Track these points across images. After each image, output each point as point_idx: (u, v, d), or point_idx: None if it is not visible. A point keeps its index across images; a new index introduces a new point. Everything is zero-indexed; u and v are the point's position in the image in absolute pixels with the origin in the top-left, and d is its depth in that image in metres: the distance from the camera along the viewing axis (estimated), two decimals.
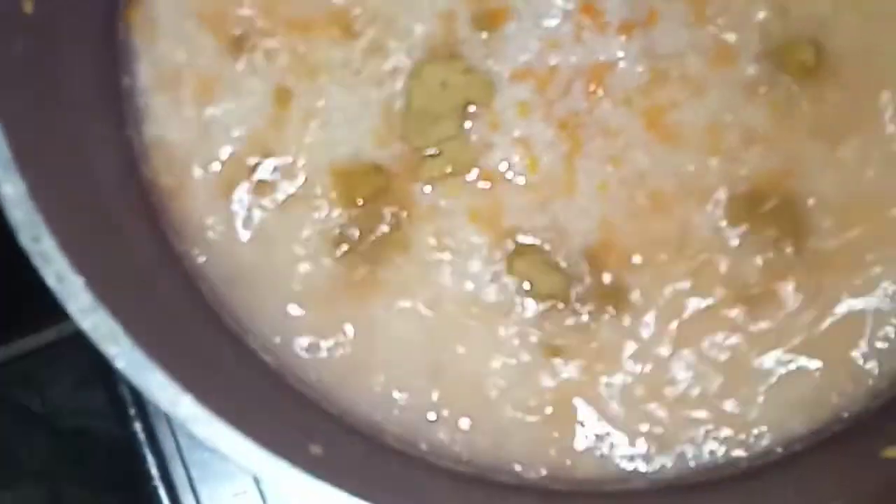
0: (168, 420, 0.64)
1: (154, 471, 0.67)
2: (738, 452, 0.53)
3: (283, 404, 0.53)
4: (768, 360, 0.54)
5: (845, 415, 0.52)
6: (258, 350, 0.55)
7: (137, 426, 0.67)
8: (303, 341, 0.55)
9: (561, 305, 0.55)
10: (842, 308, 0.54)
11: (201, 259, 0.56)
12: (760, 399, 0.53)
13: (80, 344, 0.43)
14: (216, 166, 0.56)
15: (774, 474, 0.50)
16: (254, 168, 0.56)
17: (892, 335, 0.54)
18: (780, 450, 0.53)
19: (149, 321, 0.47)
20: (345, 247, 0.56)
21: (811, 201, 0.55)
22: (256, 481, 0.64)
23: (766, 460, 0.52)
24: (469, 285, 0.55)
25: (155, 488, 0.67)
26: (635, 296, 0.55)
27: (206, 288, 0.56)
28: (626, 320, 0.55)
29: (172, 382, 0.43)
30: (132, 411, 0.67)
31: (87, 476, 0.93)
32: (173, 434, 0.66)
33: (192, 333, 0.52)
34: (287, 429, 0.49)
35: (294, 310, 0.55)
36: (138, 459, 0.67)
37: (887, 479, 0.46)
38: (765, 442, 0.52)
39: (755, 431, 0.53)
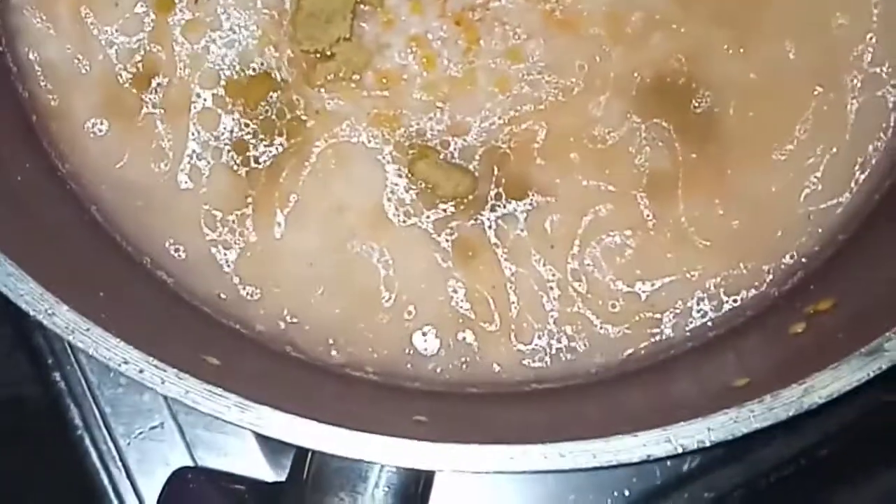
0: (83, 372, 0.63)
1: (77, 420, 0.65)
2: (645, 345, 0.52)
3: (178, 320, 0.51)
4: (674, 252, 0.53)
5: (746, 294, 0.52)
6: (152, 268, 0.53)
7: (57, 380, 0.65)
8: (198, 255, 0.53)
9: (464, 205, 0.53)
10: (746, 194, 0.53)
11: (88, 179, 0.54)
12: (664, 294, 0.52)
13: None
14: (98, 81, 0.54)
15: (681, 362, 0.50)
16: (139, 81, 0.54)
17: (805, 212, 0.53)
18: (690, 344, 0.52)
19: (28, 240, 0.45)
20: (239, 158, 0.54)
21: (715, 87, 0.54)
22: (172, 414, 0.62)
23: (675, 352, 0.51)
24: (371, 190, 0.54)
25: (80, 437, 0.66)
26: (540, 192, 0.53)
27: (97, 208, 0.53)
28: (531, 217, 0.53)
29: (47, 293, 0.41)
30: (54, 371, 0.65)
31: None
32: (88, 384, 0.64)
33: (78, 251, 0.50)
34: (183, 342, 0.48)
35: (190, 226, 0.53)
36: (62, 414, 0.66)
37: (790, 354, 0.45)
38: (669, 332, 0.52)
39: (661, 324, 0.52)
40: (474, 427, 0.46)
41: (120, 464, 0.63)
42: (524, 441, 0.41)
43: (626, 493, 0.61)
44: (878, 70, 0.54)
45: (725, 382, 0.44)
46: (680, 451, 0.39)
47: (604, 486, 0.60)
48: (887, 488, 0.61)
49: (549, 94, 0.54)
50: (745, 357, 0.48)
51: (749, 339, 0.49)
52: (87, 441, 0.64)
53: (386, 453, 0.40)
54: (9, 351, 0.77)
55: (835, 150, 0.53)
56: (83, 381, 0.63)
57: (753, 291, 0.52)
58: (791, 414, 0.38)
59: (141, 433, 0.62)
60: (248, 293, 0.53)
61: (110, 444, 0.63)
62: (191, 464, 0.61)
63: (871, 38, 0.54)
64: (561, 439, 0.40)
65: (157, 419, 0.62)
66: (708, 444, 0.38)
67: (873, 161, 0.53)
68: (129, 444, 0.62)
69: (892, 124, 0.53)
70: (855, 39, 0.54)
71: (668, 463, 0.61)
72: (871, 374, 0.38)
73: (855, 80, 0.54)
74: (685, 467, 0.61)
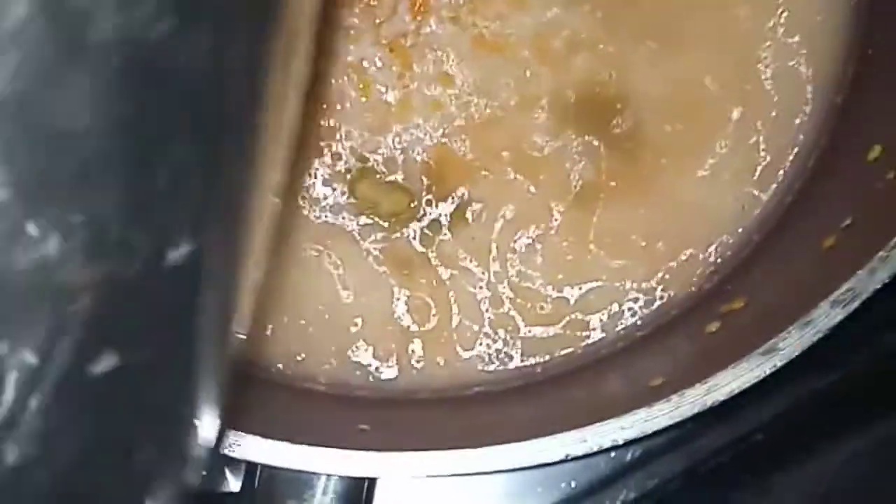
0: None
1: None
2: (574, 349, 0.55)
3: None
4: (600, 257, 0.56)
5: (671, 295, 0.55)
6: None
7: None
8: None
9: (401, 219, 0.56)
10: (670, 201, 0.57)
11: None
12: (591, 297, 0.55)
13: None
14: None
15: (610, 363, 0.53)
16: None
17: (724, 215, 0.56)
18: (620, 344, 0.55)
19: None
20: None
21: (639, 103, 0.57)
22: None
23: (605, 352, 0.54)
24: (313, 211, 0.57)
25: None
26: (476, 208, 0.57)
27: None
28: (468, 233, 0.56)
29: None
30: None
31: None
32: None
33: None
34: None
35: None
36: None
37: (704, 353, 0.48)
38: (599, 334, 0.55)
39: (590, 327, 0.55)
40: (415, 434, 0.49)
41: None
42: (461, 446, 0.44)
43: (573, 484, 0.65)
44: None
45: (646, 382, 0.47)
46: (596, 449, 0.42)
47: (550, 480, 0.64)
48: (819, 469, 0.65)
49: (481, 113, 0.57)
50: (665, 356, 0.51)
51: (671, 339, 0.52)
52: None
53: (329, 464, 0.43)
54: None
55: (753, 157, 0.57)
56: None
57: (676, 292, 0.55)
58: (696, 411, 0.42)
59: None
60: None
61: None
62: None
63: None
64: (491, 443, 0.43)
65: None
66: (622, 442, 0.42)
67: (787, 165, 0.57)
68: None
69: (800, 139, 0.57)
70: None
71: (612, 454, 0.64)
72: (768, 372, 0.42)
73: (773, 94, 0.57)
74: (628, 457, 0.65)
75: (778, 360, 0.42)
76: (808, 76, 0.57)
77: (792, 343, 0.42)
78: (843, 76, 0.57)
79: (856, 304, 0.42)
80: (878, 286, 0.42)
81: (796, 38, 0.57)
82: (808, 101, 0.57)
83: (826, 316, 0.42)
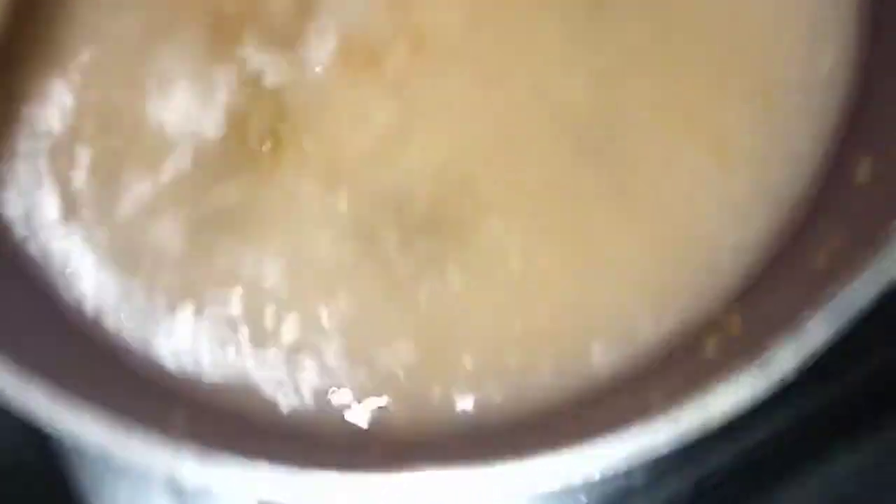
0: None
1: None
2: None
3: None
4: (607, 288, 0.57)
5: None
6: None
7: None
8: None
9: None
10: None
11: None
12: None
13: None
14: None
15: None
16: None
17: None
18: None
19: None
20: None
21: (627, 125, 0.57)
22: None
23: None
24: None
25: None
26: None
27: None
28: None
29: None
30: None
31: None
32: None
33: None
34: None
35: None
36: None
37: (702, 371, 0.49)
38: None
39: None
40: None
41: None
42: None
43: (584, 500, 0.66)
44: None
45: (644, 404, 0.47)
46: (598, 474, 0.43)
47: (562, 498, 0.65)
48: (824, 484, 0.66)
49: None
50: (664, 379, 0.52)
51: (671, 362, 0.53)
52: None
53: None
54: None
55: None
56: None
57: (671, 317, 0.56)
58: (694, 434, 0.43)
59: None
60: None
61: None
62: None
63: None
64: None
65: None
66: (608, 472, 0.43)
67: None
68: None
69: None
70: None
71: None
72: (760, 392, 0.43)
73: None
74: (637, 479, 0.66)
75: (772, 378, 0.43)
76: None
77: (784, 361, 0.43)
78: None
79: (845, 322, 0.43)
80: (867, 304, 0.44)
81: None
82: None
83: (817, 333, 0.43)
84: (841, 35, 0.57)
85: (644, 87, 0.57)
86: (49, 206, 0.57)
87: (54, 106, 0.57)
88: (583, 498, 0.65)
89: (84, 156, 0.57)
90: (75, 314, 0.56)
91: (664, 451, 0.44)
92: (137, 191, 0.56)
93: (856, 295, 0.44)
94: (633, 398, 0.50)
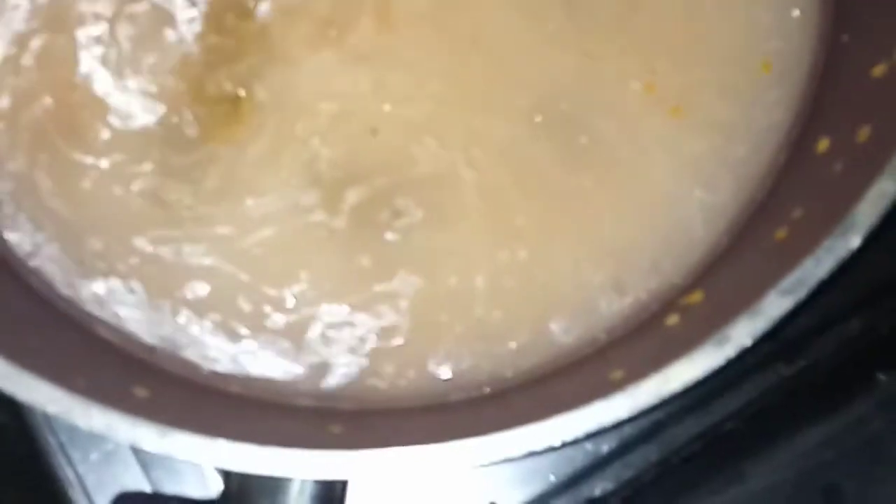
0: None
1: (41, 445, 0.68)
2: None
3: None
4: (572, 262, 0.57)
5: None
6: None
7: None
8: None
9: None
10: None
11: None
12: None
13: None
14: None
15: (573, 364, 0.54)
16: None
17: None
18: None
19: None
20: None
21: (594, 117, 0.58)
22: None
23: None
24: None
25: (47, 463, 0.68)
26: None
27: None
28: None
29: None
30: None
31: None
32: None
33: None
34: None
35: None
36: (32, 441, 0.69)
37: (663, 346, 0.50)
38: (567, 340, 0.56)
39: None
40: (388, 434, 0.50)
41: (80, 490, 0.66)
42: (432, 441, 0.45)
43: (552, 478, 0.66)
44: None
45: (606, 376, 0.48)
46: (558, 444, 0.43)
47: (530, 475, 0.65)
48: (789, 455, 0.66)
49: None
50: (626, 350, 0.52)
51: (632, 334, 0.54)
52: (52, 466, 0.68)
53: (300, 468, 0.44)
54: None
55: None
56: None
57: (637, 291, 0.56)
58: (652, 403, 0.43)
59: (96, 457, 0.66)
60: None
61: (68, 469, 0.66)
62: (147, 486, 0.65)
63: None
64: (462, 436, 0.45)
65: (111, 443, 0.66)
66: (582, 436, 0.43)
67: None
68: (87, 468, 0.66)
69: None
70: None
71: (588, 447, 0.66)
72: (721, 362, 0.43)
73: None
74: (605, 450, 0.66)
75: (731, 350, 0.43)
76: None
77: (742, 333, 0.43)
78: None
79: (804, 294, 0.44)
80: (825, 276, 0.44)
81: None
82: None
83: (775, 306, 0.44)
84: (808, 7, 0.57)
85: (609, 56, 0.57)
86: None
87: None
88: (552, 477, 0.66)
89: None
90: (35, 281, 0.56)
91: (625, 421, 0.44)
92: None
93: (815, 266, 0.44)
94: (594, 370, 0.51)
